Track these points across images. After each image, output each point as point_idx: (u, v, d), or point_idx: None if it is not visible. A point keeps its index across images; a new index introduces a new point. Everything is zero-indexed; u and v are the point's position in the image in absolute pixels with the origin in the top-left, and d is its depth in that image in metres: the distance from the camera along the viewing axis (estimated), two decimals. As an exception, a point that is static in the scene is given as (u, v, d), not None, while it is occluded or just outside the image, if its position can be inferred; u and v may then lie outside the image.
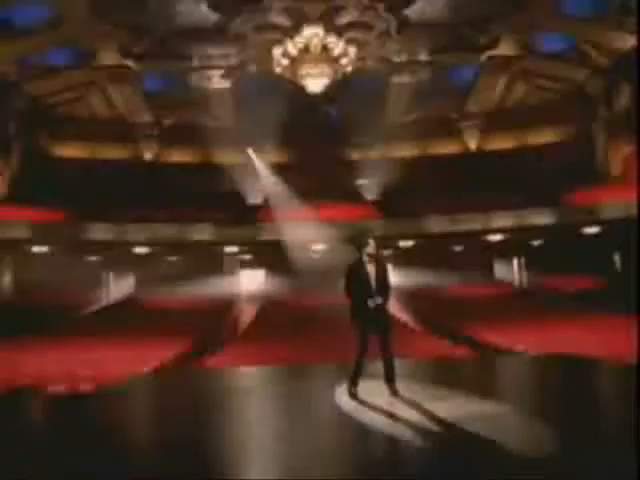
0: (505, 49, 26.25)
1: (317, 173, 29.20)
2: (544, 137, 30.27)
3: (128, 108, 28.68)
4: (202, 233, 24.06)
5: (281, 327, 18.81)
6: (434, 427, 4.30)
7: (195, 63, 25.56)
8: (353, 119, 29.94)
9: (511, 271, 29.49)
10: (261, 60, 23.62)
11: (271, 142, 29.18)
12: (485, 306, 22.53)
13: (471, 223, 22.82)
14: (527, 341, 12.56)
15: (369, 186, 30.89)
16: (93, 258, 26.68)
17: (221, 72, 25.54)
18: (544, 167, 27.86)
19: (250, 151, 30.08)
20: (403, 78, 27.30)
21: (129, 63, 24.81)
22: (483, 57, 26.70)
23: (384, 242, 24.82)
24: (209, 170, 29.31)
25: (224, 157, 30.31)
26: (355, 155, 31.46)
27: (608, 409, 5.18)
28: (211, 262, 26.71)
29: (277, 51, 20.99)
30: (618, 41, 24.09)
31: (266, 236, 24.74)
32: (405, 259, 25.49)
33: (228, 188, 28.75)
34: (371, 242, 5.54)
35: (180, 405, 6.09)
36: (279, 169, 29.29)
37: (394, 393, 5.33)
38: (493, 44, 25.70)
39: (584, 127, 28.23)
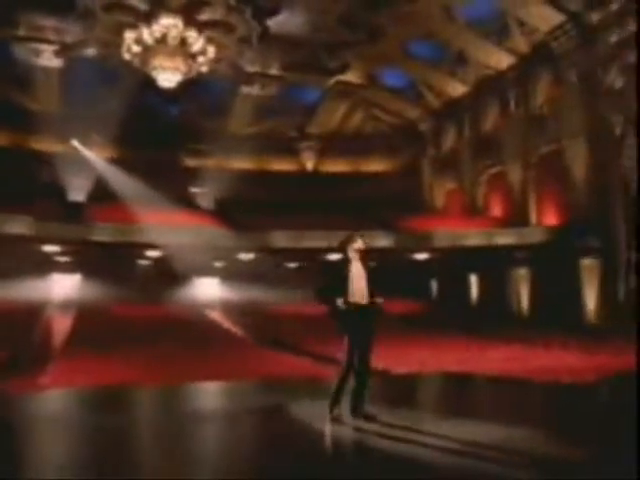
0: (352, 76, 27.30)
1: (150, 174, 27.25)
2: (376, 165, 31.96)
3: None
4: (15, 226, 20.71)
5: (101, 342, 16.46)
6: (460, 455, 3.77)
7: (21, 32, 22.30)
8: (194, 124, 28.68)
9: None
10: (107, 43, 21.40)
11: (101, 135, 26.55)
12: (319, 324, 22.66)
13: (313, 241, 22.92)
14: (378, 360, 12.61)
15: (204, 195, 29.67)
16: None
17: (54, 48, 22.61)
18: (375, 194, 29.30)
19: (76, 142, 27.05)
20: (252, 89, 26.88)
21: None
22: (331, 81, 27.45)
23: (221, 254, 23.89)
24: (25, 157, 25.68)
25: (44, 145, 26.82)
26: (192, 161, 30.09)
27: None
28: (21, 261, 23.18)
29: (130, 35, 19.16)
30: (450, 88, 26.45)
31: (91, 236, 22.16)
32: (242, 273, 24.73)
33: (47, 179, 25.45)
34: (358, 238, 4.89)
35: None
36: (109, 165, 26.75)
37: (371, 418, 4.64)
38: (342, 70, 26.55)
39: (413, 161, 30.36)
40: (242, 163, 30.48)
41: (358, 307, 4.67)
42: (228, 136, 29.10)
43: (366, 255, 4.90)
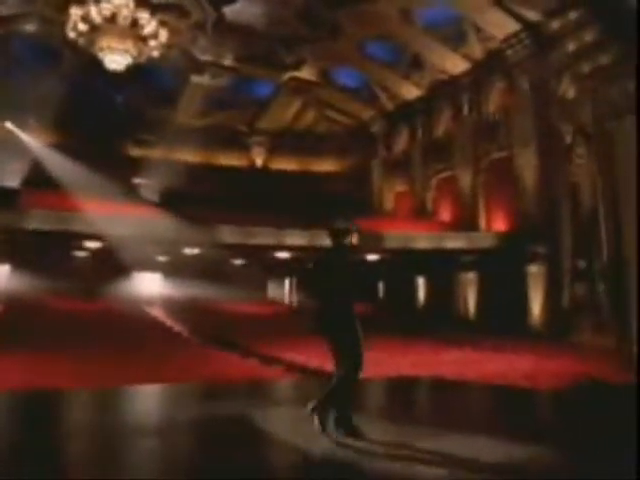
0: (306, 73, 26.87)
1: (92, 162, 25.94)
2: (326, 165, 31.67)
3: None
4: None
5: (28, 338, 15.18)
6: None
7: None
8: (141, 112, 27.56)
9: (284, 291, 29.87)
10: (49, 19, 20.13)
11: (40, 119, 25.06)
12: (265, 324, 22.14)
13: (261, 238, 22.32)
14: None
15: (149, 186, 28.53)
16: None
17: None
18: (324, 193, 29.01)
19: (10, 125, 25.40)
20: (203, 79, 26.03)
21: None
22: (285, 76, 26.95)
23: (164, 247, 22.96)
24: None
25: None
26: (136, 151, 28.91)
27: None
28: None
29: (76, 12, 18.04)
30: (404, 90, 26.43)
31: (23, 224, 20.74)
32: (187, 268, 23.87)
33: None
34: (355, 229, 4.41)
35: None
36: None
37: (359, 433, 4.01)
38: (297, 66, 26.09)
39: (364, 162, 30.22)
40: (189, 155, 29.53)
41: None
42: (175, 127, 28.14)
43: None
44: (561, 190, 18.37)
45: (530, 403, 6.17)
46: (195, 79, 26.11)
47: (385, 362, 10.78)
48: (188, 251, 22.72)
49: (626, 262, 14.80)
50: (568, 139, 18.17)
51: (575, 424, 4.89)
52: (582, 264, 16.98)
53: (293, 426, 4.13)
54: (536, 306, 18.90)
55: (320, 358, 12.46)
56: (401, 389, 7.16)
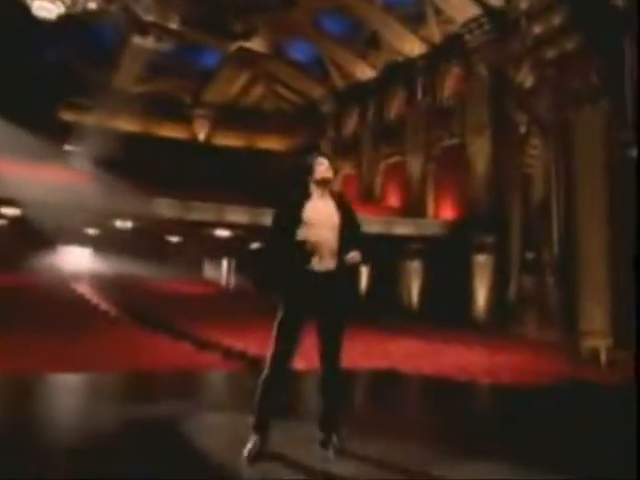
0: (256, 44, 25.56)
1: (17, 122, 23.78)
2: (273, 143, 30.53)
3: None
4: None
5: None
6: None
7: None
8: (75, 73, 25.50)
9: (222, 271, 28.65)
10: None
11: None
12: (201, 305, 20.92)
13: (201, 214, 21.00)
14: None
15: (80, 153, 26.52)
16: None
17: None
18: (270, 172, 27.93)
19: None
20: (146, 42, 24.24)
21: None
22: (233, 46, 25.54)
23: (94, 219, 21.29)
24: None
25: None
26: (69, 115, 26.82)
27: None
28: None
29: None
30: (358, 70, 25.58)
31: None
32: (118, 243, 22.25)
33: None
34: (323, 160, 3.30)
35: None
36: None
37: (337, 449, 3.06)
38: (247, 35, 24.74)
39: (311, 142, 29.23)
40: (127, 124, 27.72)
41: (322, 274, 3.13)
42: (113, 92, 26.23)
43: (339, 194, 3.45)
44: (513, 181, 18.03)
45: (514, 402, 5.44)
46: (137, 41, 24.28)
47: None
48: (120, 224, 21.15)
49: (577, 255, 14.55)
50: (522, 129, 17.83)
51: (564, 423, 4.18)
52: (531, 256, 16.72)
53: (234, 444, 3.12)
54: (481, 297, 18.58)
55: (260, 344, 11.52)
56: (360, 384, 6.32)
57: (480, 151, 19.58)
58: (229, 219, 20.55)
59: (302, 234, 3.15)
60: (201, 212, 20.89)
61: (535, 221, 16.96)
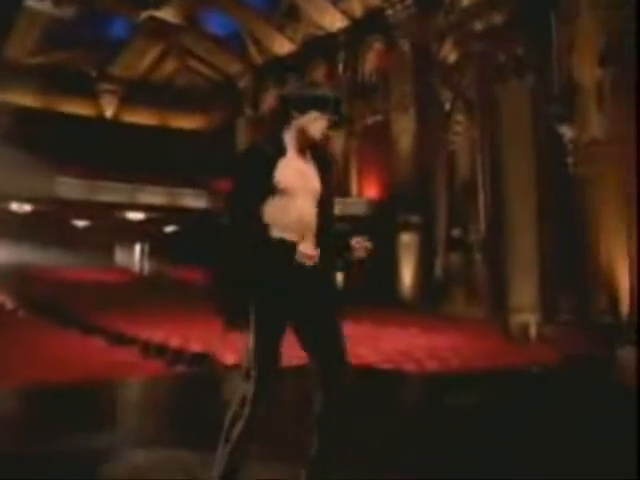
0: (169, 14, 23.94)
1: None
2: (188, 121, 29.00)
3: None
4: None
5: None
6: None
7: None
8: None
9: (134, 257, 26.97)
10: None
11: None
12: (113, 294, 19.41)
13: (110, 195, 19.40)
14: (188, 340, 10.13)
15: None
16: None
17: None
18: (185, 151, 26.57)
19: None
20: (43, 5, 22.03)
21: None
22: (143, 15, 23.78)
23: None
24: None
25: None
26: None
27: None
28: None
29: None
30: (277, 44, 24.57)
31: None
32: (15, 227, 20.19)
33: None
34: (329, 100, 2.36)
35: None
36: None
37: None
38: (158, 3, 23.09)
39: (229, 120, 28.01)
40: (23, 98, 25.28)
41: (305, 267, 2.22)
42: (6, 63, 23.84)
43: (322, 147, 2.49)
44: (438, 158, 17.83)
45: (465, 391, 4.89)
46: (31, 4, 22.02)
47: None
48: (17, 207, 19.13)
49: (504, 231, 14.49)
50: (447, 106, 17.62)
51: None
52: (457, 233, 16.59)
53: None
54: (408, 276, 18.35)
55: (182, 335, 10.49)
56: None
57: (404, 128, 19.23)
58: (143, 201, 19.13)
59: (276, 207, 2.22)
60: (111, 193, 19.35)
61: (461, 198, 16.84)
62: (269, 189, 2.21)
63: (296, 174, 2.26)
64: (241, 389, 2.14)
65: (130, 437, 3.25)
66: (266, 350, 2.16)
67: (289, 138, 2.31)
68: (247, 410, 2.08)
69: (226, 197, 2.27)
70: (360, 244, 2.30)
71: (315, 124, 2.29)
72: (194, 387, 5.24)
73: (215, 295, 2.22)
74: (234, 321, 2.18)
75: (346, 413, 2.22)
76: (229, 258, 2.19)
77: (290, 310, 2.21)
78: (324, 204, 2.31)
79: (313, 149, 2.37)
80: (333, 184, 2.40)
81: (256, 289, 2.16)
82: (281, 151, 2.29)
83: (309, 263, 2.20)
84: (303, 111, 2.28)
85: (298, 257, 2.20)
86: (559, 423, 3.60)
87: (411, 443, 3.06)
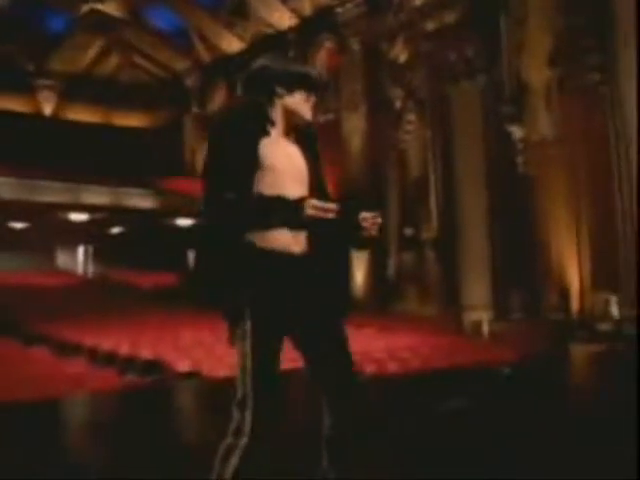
0: (111, 7, 23.13)
1: None
2: (132, 119, 28.11)
3: None
4: None
5: None
6: None
7: None
8: None
9: (77, 260, 25.93)
10: None
11: None
12: (55, 299, 18.57)
13: (50, 195, 18.54)
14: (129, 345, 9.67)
15: None
16: None
17: None
18: (130, 149, 25.73)
19: None
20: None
21: None
22: (84, 8, 22.88)
23: None
24: None
25: None
26: None
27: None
28: None
29: None
30: (225, 42, 24.11)
31: None
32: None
33: None
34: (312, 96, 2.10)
35: None
36: None
37: None
38: (100, -4, 22.27)
39: (175, 118, 27.32)
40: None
41: (299, 257, 1.92)
42: None
43: (305, 125, 2.16)
44: (389, 157, 17.85)
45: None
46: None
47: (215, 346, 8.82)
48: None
49: (456, 229, 14.61)
50: (398, 104, 17.66)
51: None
52: (410, 232, 16.63)
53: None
54: (360, 275, 18.28)
55: (131, 341, 10.01)
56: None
57: (355, 127, 19.18)
58: (86, 201, 18.35)
59: (262, 188, 1.90)
60: (51, 193, 18.52)
61: (413, 197, 16.90)
62: (255, 168, 1.90)
63: (280, 152, 1.98)
64: (236, 418, 1.83)
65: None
66: (265, 367, 1.84)
67: (274, 117, 2.03)
68: (243, 441, 1.78)
69: (206, 182, 1.94)
70: (370, 221, 1.93)
71: (306, 104, 2.04)
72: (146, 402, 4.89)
73: (205, 296, 1.93)
74: (235, 321, 1.88)
75: (361, 433, 1.94)
76: (213, 249, 1.91)
77: (290, 315, 1.90)
78: (315, 191, 2.04)
79: (297, 132, 2.11)
80: (323, 169, 2.15)
81: (251, 290, 1.84)
82: (265, 129, 1.99)
83: (328, 216, 1.80)
84: (290, 89, 2.00)
85: (291, 248, 1.90)
86: (531, 424, 3.50)
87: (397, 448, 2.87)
